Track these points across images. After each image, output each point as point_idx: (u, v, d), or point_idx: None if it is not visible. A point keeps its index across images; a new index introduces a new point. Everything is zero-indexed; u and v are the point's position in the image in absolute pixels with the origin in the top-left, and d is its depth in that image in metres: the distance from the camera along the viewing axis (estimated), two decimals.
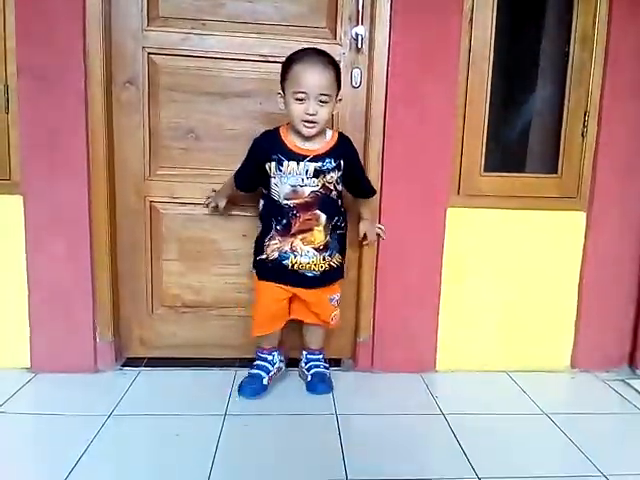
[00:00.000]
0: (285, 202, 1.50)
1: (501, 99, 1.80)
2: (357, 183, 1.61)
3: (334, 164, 1.50)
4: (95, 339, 1.72)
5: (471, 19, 1.70)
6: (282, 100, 1.48)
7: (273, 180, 1.51)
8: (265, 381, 1.62)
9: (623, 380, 1.84)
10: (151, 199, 1.76)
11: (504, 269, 1.85)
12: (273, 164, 1.49)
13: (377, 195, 1.71)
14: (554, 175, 1.84)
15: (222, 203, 1.70)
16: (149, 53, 1.68)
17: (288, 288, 1.57)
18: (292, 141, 1.50)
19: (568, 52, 1.78)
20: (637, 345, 1.89)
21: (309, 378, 1.67)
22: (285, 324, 1.64)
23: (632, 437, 1.51)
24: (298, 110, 1.43)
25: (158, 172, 1.75)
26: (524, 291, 1.86)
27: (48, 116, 1.59)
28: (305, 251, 1.53)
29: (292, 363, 1.78)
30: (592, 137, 1.81)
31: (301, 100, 1.42)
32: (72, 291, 1.68)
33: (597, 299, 1.87)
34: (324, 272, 1.56)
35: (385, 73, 1.68)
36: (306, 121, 1.43)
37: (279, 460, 1.30)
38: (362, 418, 1.51)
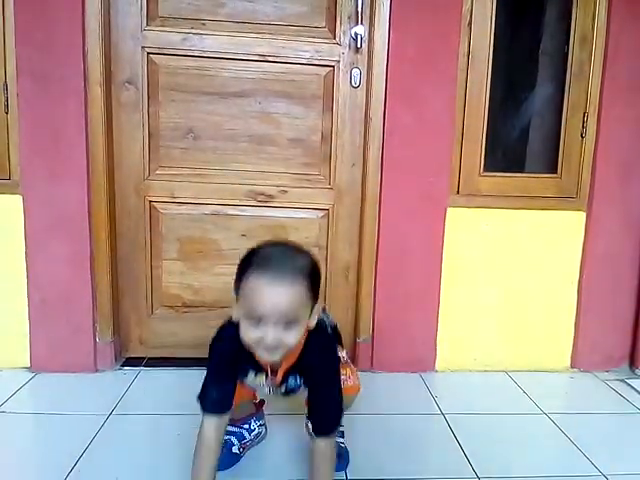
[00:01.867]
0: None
1: (500, 99, 1.81)
2: (313, 407, 1.13)
3: (299, 381, 1.13)
4: (95, 339, 1.72)
5: (470, 19, 1.70)
6: (235, 312, 1.03)
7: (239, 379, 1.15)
8: (235, 449, 1.29)
9: (623, 380, 1.84)
10: (151, 199, 1.76)
11: (504, 269, 1.85)
12: (239, 371, 1.14)
13: (376, 199, 1.68)
14: (553, 175, 1.84)
15: None
16: (149, 53, 1.68)
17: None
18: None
19: (567, 52, 1.78)
20: (637, 345, 1.89)
21: None
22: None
23: (632, 437, 1.51)
24: (252, 334, 0.98)
25: (158, 172, 1.75)
26: (524, 291, 1.86)
27: (48, 116, 1.59)
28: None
29: None
30: (591, 137, 1.81)
31: (258, 321, 0.97)
32: (72, 291, 1.68)
33: (597, 299, 1.87)
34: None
35: (384, 73, 1.68)
36: (265, 347, 1.00)
37: (279, 460, 1.31)
38: (362, 418, 1.51)
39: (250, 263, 0.99)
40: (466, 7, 1.69)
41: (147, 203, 1.76)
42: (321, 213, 1.80)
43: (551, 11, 1.86)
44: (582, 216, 1.85)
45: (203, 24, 1.68)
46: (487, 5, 1.70)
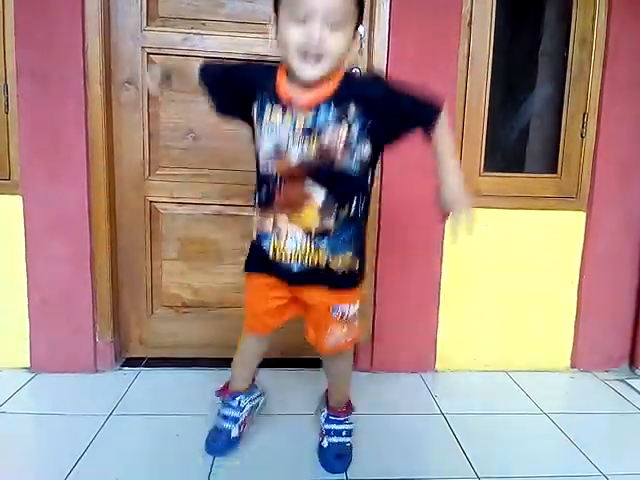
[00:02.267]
0: (265, 163, 1.09)
1: (500, 99, 1.81)
2: (405, 125, 1.08)
3: (336, 115, 1.02)
4: (95, 339, 1.72)
5: (470, 20, 1.70)
6: (274, 29, 1.04)
7: (256, 130, 1.09)
8: (235, 433, 1.30)
9: (623, 380, 1.84)
10: (151, 199, 1.76)
11: (504, 269, 1.85)
12: (255, 106, 1.07)
13: (376, 199, 1.66)
14: (553, 175, 1.84)
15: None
16: (148, 53, 1.68)
17: (274, 281, 1.16)
18: (284, 83, 1.05)
19: (567, 53, 1.78)
20: (637, 345, 1.89)
21: (325, 444, 1.31)
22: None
23: (632, 437, 1.51)
24: (296, 36, 0.96)
25: (158, 172, 1.75)
26: (524, 291, 1.86)
27: (48, 116, 1.59)
28: (290, 232, 1.08)
29: (291, 362, 1.78)
30: (591, 137, 1.81)
31: (301, 21, 0.96)
32: (72, 291, 1.68)
33: (597, 299, 1.87)
34: (318, 269, 1.10)
35: (384, 74, 1.68)
36: (307, 54, 0.96)
37: (278, 460, 1.31)
38: (361, 418, 1.50)
39: None
40: (466, 8, 1.69)
41: (147, 203, 1.76)
42: None
43: (551, 12, 1.86)
44: (582, 216, 1.85)
45: (203, 24, 1.68)
46: (487, 6, 1.70)
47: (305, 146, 1.03)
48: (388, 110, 1.04)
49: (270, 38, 1.06)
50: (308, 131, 1.02)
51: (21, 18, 1.55)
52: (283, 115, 1.03)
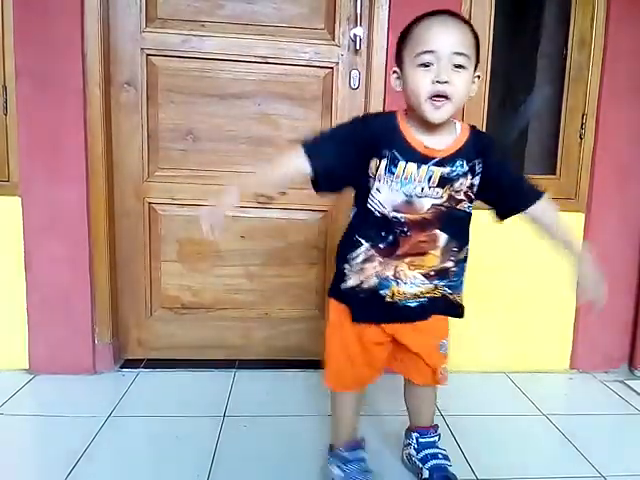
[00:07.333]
0: (393, 215, 1.06)
1: (499, 101, 1.81)
2: (509, 194, 1.14)
3: (466, 168, 1.06)
4: (94, 341, 1.72)
5: (469, 20, 1.71)
6: (397, 77, 1.05)
7: (377, 184, 1.05)
8: None
9: (622, 381, 1.84)
10: (150, 200, 1.76)
11: (502, 270, 1.84)
12: (383, 163, 1.03)
13: None
14: (552, 177, 1.84)
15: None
16: (148, 55, 1.68)
17: (385, 327, 1.14)
18: (412, 134, 1.04)
19: (566, 54, 1.78)
20: (636, 346, 1.89)
21: (426, 475, 1.21)
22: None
23: (631, 438, 1.51)
24: (423, 80, 0.98)
25: (157, 173, 1.75)
26: (523, 292, 1.86)
27: (47, 117, 1.59)
28: (411, 277, 1.10)
29: (296, 364, 1.78)
30: (590, 139, 1.81)
31: (427, 66, 0.98)
32: (71, 292, 1.68)
33: None
34: (434, 300, 1.14)
35: (384, 75, 1.68)
36: (435, 96, 0.98)
37: (278, 461, 1.30)
38: (361, 419, 1.50)
39: (417, 19, 1.02)
40: (465, 8, 1.70)
41: (146, 205, 1.76)
42: (321, 214, 1.80)
43: (550, 13, 1.87)
44: (581, 217, 1.85)
45: (202, 25, 1.68)
46: (485, 7, 1.70)
47: (438, 196, 1.05)
48: (498, 176, 1.10)
49: (394, 88, 1.07)
50: (442, 182, 1.05)
51: (20, 19, 1.55)
52: (418, 168, 1.03)
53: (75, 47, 1.57)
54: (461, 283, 1.20)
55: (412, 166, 1.03)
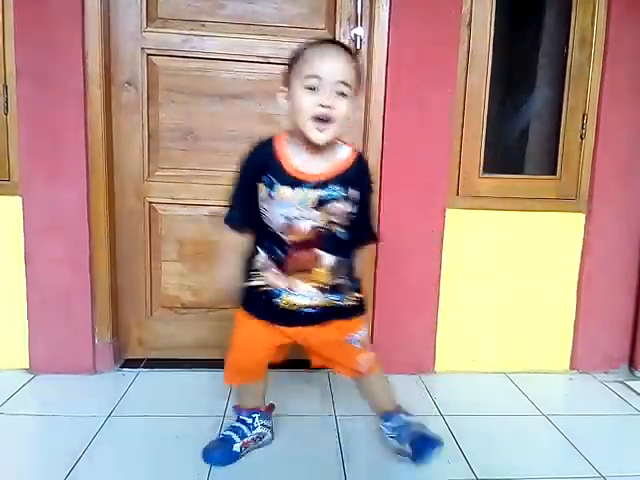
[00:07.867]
0: (279, 234, 1.16)
1: (500, 101, 1.81)
2: (357, 223, 1.22)
3: (342, 193, 1.14)
4: (94, 340, 1.72)
5: (470, 20, 1.71)
6: (284, 95, 1.14)
7: (265, 205, 1.16)
8: (237, 447, 1.27)
9: (622, 382, 1.84)
10: (150, 200, 1.76)
11: (503, 270, 1.85)
12: (264, 187, 1.14)
13: (375, 200, 1.63)
14: (553, 177, 1.84)
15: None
16: (148, 54, 1.68)
17: (283, 329, 1.22)
18: (288, 158, 1.14)
19: (567, 54, 1.78)
20: (636, 347, 1.89)
21: (409, 451, 1.27)
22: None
23: (631, 438, 1.51)
24: (308, 102, 1.07)
25: (157, 173, 1.75)
26: (523, 292, 1.86)
27: (47, 117, 1.59)
28: (304, 290, 1.18)
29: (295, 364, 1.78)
30: (591, 139, 1.81)
31: (313, 89, 1.07)
32: (71, 292, 1.68)
33: (596, 300, 1.87)
34: (328, 308, 1.21)
35: (384, 75, 1.68)
36: (318, 118, 1.08)
37: (278, 462, 1.30)
38: (361, 419, 1.50)
39: (305, 46, 1.12)
40: (466, 7, 1.69)
41: (147, 204, 1.76)
42: None
43: (550, 13, 1.86)
44: (581, 217, 1.85)
45: (203, 25, 1.68)
46: (487, 6, 1.70)
47: (316, 218, 1.14)
48: (364, 192, 1.21)
49: (281, 107, 1.15)
50: (319, 205, 1.13)
51: (21, 19, 1.55)
52: (293, 191, 1.12)
53: (76, 47, 1.57)
54: (351, 286, 1.24)
55: (287, 189, 1.12)
